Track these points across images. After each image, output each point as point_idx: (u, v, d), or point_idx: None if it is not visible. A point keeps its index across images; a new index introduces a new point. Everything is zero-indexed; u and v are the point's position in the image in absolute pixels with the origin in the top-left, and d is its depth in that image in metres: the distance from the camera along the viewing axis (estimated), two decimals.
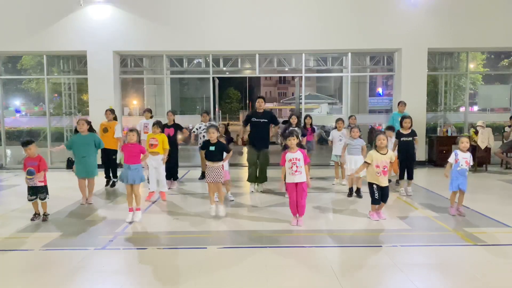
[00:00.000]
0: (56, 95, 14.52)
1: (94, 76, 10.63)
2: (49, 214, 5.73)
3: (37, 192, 5.55)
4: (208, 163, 5.61)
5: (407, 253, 4.30)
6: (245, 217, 5.81)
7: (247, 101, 48.38)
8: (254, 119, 7.30)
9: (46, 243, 4.64)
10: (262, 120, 7.27)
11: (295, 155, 5.21)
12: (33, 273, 3.86)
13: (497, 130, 12.45)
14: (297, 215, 5.34)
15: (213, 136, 5.62)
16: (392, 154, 5.53)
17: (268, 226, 5.30)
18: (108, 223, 5.51)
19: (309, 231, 5.09)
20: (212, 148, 5.57)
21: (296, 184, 5.21)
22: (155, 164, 6.74)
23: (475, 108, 14.47)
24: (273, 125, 7.51)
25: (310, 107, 28.81)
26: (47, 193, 5.64)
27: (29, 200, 5.56)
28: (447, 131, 11.09)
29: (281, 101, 46.29)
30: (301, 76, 11.38)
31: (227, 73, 12.93)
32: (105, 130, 7.76)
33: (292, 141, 5.21)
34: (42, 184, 5.57)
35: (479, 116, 12.26)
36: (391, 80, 12.88)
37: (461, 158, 5.59)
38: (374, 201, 5.51)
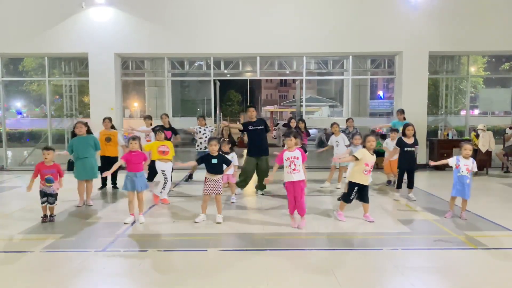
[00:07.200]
0: (57, 97, 14.54)
1: (95, 78, 10.66)
2: (55, 215, 5.78)
3: (47, 195, 5.62)
4: (208, 176, 5.52)
5: (408, 257, 4.29)
6: (246, 219, 5.81)
7: (248, 104, 48.44)
8: (251, 127, 7.39)
9: (47, 245, 4.64)
10: (259, 128, 7.40)
11: (293, 153, 5.26)
12: (34, 274, 3.87)
13: (498, 133, 12.45)
14: (297, 215, 5.35)
15: (215, 149, 5.52)
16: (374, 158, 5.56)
17: (269, 228, 5.30)
18: (109, 225, 5.51)
19: (310, 234, 5.09)
20: (214, 161, 5.50)
21: (294, 183, 5.24)
22: (165, 169, 6.58)
23: (476, 111, 14.47)
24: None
25: (311, 109, 28.83)
26: (56, 198, 5.74)
27: (41, 203, 5.63)
28: (448, 135, 11.08)
29: (281, 103, 46.31)
30: (302, 79, 11.41)
31: (228, 75, 12.96)
32: (107, 139, 7.78)
33: (289, 142, 5.32)
34: (58, 191, 5.72)
35: (480, 119, 12.25)
36: (392, 83, 12.89)
37: (462, 164, 5.56)
38: (347, 200, 5.58)
